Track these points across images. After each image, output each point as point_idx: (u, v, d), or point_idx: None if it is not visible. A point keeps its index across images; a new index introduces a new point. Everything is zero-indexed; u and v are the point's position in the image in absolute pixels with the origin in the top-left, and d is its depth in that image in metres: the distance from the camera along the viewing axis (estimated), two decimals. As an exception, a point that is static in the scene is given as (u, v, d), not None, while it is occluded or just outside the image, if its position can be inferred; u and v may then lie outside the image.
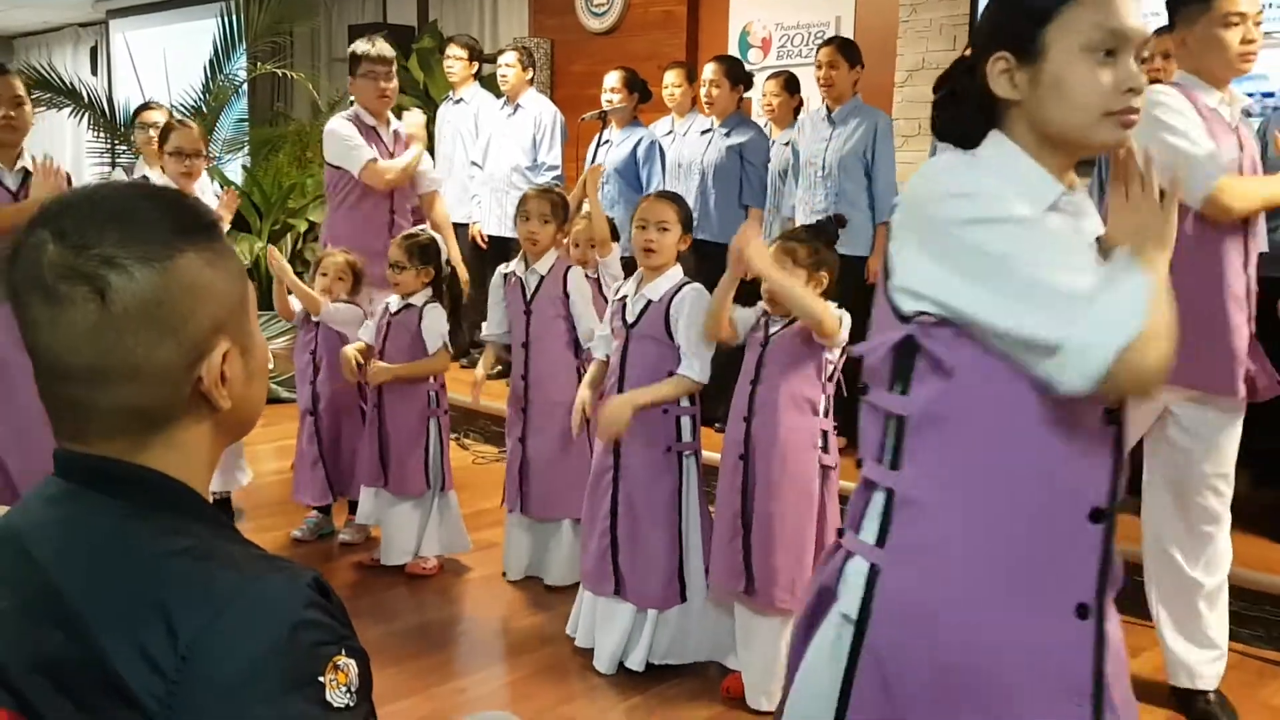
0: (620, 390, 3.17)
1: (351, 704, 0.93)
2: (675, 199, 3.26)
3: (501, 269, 3.87)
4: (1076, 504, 1.39)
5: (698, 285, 3.15)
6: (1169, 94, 2.66)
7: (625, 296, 3.24)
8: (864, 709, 1.44)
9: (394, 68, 4.48)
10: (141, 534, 0.96)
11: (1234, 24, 2.65)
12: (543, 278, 3.70)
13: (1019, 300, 1.30)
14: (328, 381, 4.09)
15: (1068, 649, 1.39)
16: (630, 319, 3.19)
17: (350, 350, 3.84)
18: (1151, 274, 1.31)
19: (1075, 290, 1.28)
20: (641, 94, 5.57)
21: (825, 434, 2.91)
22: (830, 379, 2.90)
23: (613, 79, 5.53)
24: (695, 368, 3.08)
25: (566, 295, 3.71)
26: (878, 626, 1.43)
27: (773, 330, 2.93)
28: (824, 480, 2.91)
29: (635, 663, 3.16)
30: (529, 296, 3.72)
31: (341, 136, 4.38)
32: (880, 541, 1.44)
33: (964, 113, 1.49)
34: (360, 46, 4.44)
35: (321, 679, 0.91)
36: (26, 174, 3.68)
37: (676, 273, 3.19)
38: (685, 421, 3.19)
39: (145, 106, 5.22)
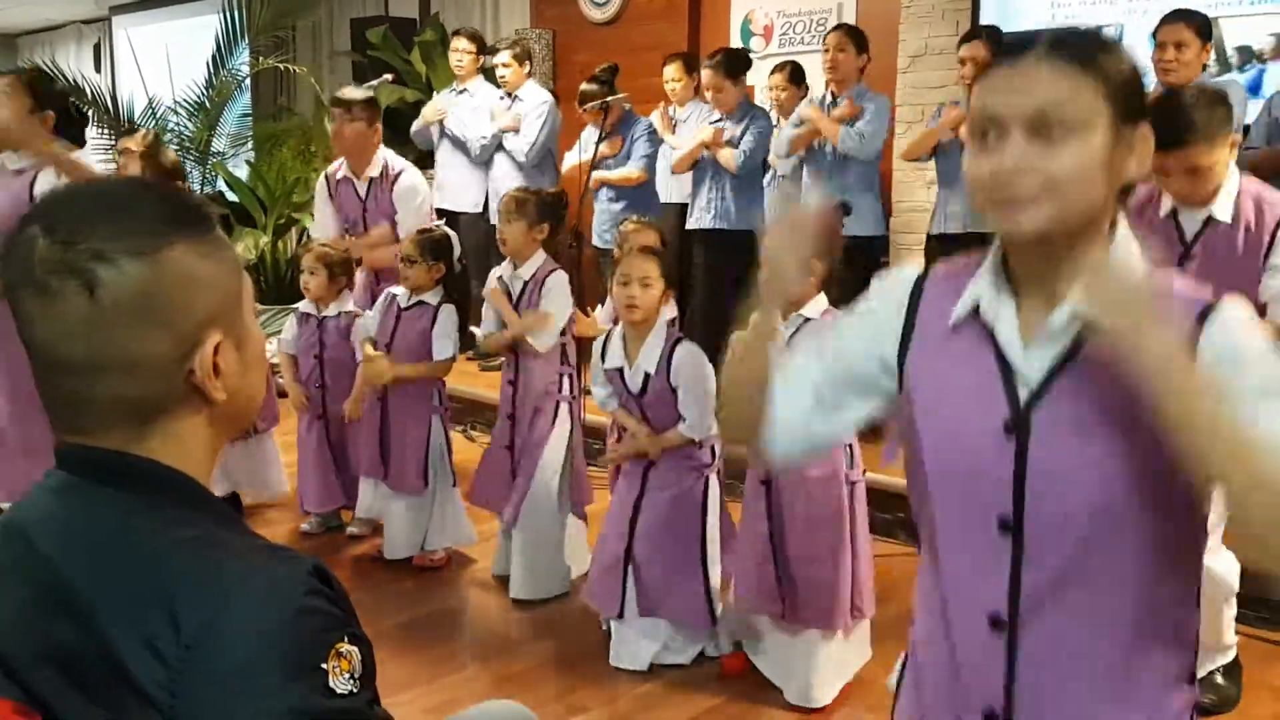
0: None
1: (354, 690, 0.93)
2: (657, 254, 3.16)
3: (494, 273, 3.78)
4: (975, 611, 1.29)
5: (687, 345, 3.10)
6: None
7: (620, 368, 3.15)
8: None
9: (353, 110, 4.24)
10: (145, 525, 0.96)
11: None
12: (526, 283, 3.62)
13: None
14: (334, 385, 4.08)
15: None
16: (635, 389, 3.13)
17: (371, 352, 3.79)
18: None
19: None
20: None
21: (850, 448, 2.88)
22: None
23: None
24: (693, 426, 3.06)
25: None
26: None
27: None
28: (851, 494, 2.90)
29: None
30: (515, 301, 3.66)
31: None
32: None
33: None
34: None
35: (324, 666, 0.91)
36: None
37: (661, 329, 3.11)
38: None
39: (128, 134, 5.29)
